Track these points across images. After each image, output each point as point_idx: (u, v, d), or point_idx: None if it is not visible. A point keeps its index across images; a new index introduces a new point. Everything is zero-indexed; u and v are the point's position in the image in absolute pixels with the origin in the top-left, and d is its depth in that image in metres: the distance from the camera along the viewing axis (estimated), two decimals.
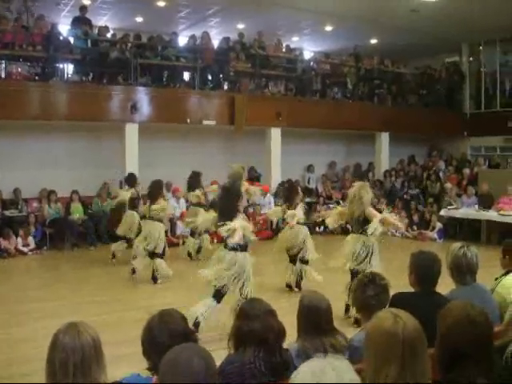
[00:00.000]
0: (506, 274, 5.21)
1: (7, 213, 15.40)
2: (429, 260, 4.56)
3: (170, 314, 3.37)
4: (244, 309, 3.83)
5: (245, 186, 12.06)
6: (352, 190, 8.90)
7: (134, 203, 13.27)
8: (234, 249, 7.61)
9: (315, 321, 3.94)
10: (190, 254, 13.67)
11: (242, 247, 7.70)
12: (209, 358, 2.38)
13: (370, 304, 4.12)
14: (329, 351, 3.72)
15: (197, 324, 7.32)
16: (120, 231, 13.18)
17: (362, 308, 4.25)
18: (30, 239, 14.83)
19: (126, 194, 13.21)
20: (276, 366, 3.59)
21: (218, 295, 7.66)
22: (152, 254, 11.36)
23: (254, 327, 3.64)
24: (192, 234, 13.43)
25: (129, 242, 13.03)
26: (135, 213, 13.07)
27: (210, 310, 7.57)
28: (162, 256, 11.54)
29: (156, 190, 12.02)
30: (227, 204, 8.00)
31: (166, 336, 3.15)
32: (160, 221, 11.81)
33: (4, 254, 14.08)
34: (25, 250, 14.57)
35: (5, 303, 9.66)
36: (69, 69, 17.18)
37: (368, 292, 4.20)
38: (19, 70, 16.29)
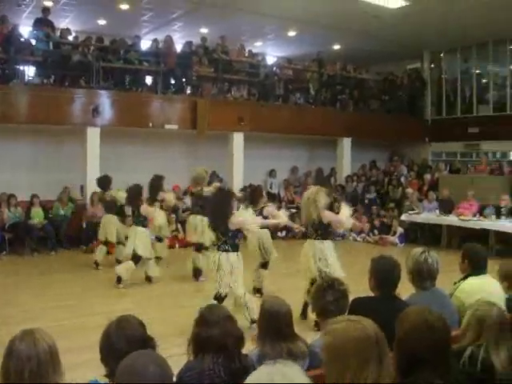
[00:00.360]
0: (465, 278, 5.26)
1: None
2: (388, 265, 4.59)
3: (127, 320, 3.34)
4: (203, 315, 3.80)
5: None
6: (306, 193, 9.00)
7: (110, 206, 13.25)
8: (225, 250, 7.88)
9: (275, 326, 3.93)
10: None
11: (234, 248, 7.97)
12: (165, 364, 2.37)
13: (329, 309, 4.12)
14: (288, 357, 3.74)
15: None
16: (100, 236, 13.30)
17: (321, 313, 4.24)
18: None
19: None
20: (235, 371, 3.56)
21: (219, 299, 7.90)
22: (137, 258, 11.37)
23: (212, 333, 3.62)
24: (158, 239, 13.34)
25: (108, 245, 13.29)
26: (115, 216, 13.08)
27: None
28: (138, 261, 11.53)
29: (136, 195, 11.99)
30: (222, 205, 8.16)
31: (123, 342, 3.13)
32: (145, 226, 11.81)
33: None
34: None
35: None
36: (30, 71, 17.00)
37: (327, 297, 4.19)
38: None
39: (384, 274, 4.54)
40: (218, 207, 8.14)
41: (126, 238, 12.16)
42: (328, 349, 2.68)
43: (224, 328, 3.66)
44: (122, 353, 2.77)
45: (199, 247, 11.87)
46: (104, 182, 13.48)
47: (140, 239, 11.37)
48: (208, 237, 11.51)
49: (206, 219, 11.24)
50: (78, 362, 6.11)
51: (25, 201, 15.67)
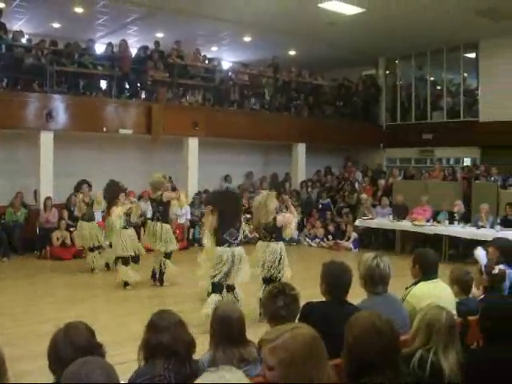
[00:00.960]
0: (416, 283, 5.31)
1: None
2: (339, 270, 4.62)
3: (75, 327, 3.31)
4: (153, 321, 3.78)
5: (177, 194, 12.42)
6: (257, 198, 9.16)
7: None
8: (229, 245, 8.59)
9: (227, 331, 3.98)
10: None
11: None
12: (110, 371, 2.36)
13: (280, 315, 4.13)
14: (240, 362, 3.75)
15: None
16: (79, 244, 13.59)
17: (272, 319, 4.23)
18: None
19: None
20: (186, 377, 3.56)
21: (218, 288, 8.50)
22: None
23: (163, 339, 3.61)
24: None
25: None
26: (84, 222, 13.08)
27: None
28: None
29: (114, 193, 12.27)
30: (235, 207, 8.97)
31: (70, 349, 3.10)
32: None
33: None
34: None
35: None
36: None
37: (278, 303, 4.19)
38: None
39: (334, 279, 4.57)
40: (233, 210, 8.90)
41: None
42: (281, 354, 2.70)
43: (174, 333, 3.66)
44: (68, 360, 2.73)
45: (169, 254, 11.75)
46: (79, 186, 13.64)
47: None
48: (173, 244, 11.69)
49: (166, 226, 11.38)
50: (30, 369, 6.03)
51: None
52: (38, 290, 11.35)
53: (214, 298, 8.36)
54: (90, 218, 13.32)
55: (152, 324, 3.76)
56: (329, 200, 20.37)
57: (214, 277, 8.51)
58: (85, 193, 13.48)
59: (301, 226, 18.53)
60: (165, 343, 3.60)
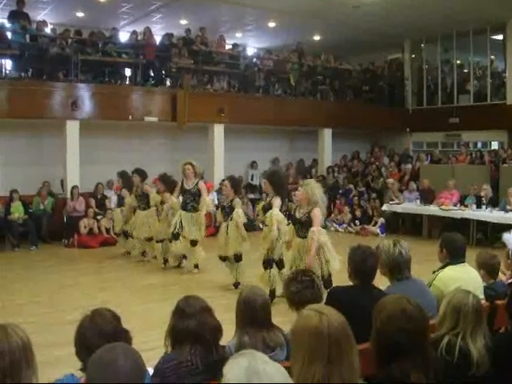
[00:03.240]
0: (444, 267, 5.26)
1: None
2: (364, 254, 4.59)
3: (101, 314, 3.32)
4: (179, 306, 3.78)
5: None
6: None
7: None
8: None
9: (252, 315, 3.96)
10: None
11: None
12: (136, 357, 2.34)
13: (294, 300, 4.23)
14: (265, 346, 3.74)
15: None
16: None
17: (290, 304, 4.34)
18: None
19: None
20: (213, 363, 3.55)
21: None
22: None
23: (189, 325, 3.61)
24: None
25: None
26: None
27: None
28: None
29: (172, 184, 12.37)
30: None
31: (96, 336, 3.10)
32: None
33: None
34: None
35: None
36: (7, 65, 16.86)
37: (291, 288, 4.30)
38: None
39: (360, 263, 4.55)
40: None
41: None
42: (291, 333, 2.72)
43: (201, 319, 3.65)
44: (94, 346, 2.72)
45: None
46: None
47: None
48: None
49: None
50: (60, 355, 6.06)
51: (4, 196, 15.53)
52: (66, 277, 11.39)
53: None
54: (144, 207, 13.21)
55: (178, 310, 3.76)
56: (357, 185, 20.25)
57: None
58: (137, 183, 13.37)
59: (327, 212, 18.52)
60: (191, 329, 3.60)
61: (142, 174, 13.19)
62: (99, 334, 3.11)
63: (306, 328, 2.55)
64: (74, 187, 15.67)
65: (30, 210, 15.78)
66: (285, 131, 21.43)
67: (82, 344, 3.15)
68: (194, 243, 11.50)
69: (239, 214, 10.13)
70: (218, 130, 18.54)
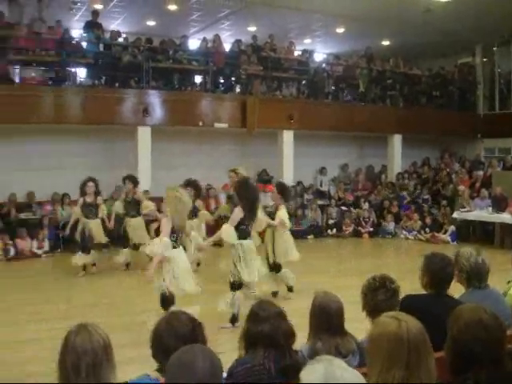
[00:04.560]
0: None
1: (22, 215, 15.52)
2: (443, 262, 4.50)
3: (177, 316, 3.38)
4: (254, 311, 3.82)
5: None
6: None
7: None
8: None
9: (326, 321, 3.96)
10: None
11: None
12: (214, 358, 2.38)
13: (381, 308, 4.08)
14: (338, 353, 3.74)
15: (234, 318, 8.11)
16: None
17: (372, 312, 4.20)
18: (46, 242, 14.88)
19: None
20: (286, 367, 3.57)
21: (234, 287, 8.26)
22: None
23: (263, 329, 3.64)
24: None
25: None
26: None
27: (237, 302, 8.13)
28: None
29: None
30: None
31: (173, 338, 3.16)
32: None
33: (19, 255, 14.15)
34: (39, 252, 14.66)
35: (16, 304, 9.71)
36: (81, 73, 17.30)
37: (379, 296, 4.15)
38: (33, 74, 16.48)
39: (437, 272, 4.45)
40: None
41: None
42: (368, 340, 2.73)
43: (275, 323, 3.68)
44: (171, 348, 2.82)
45: None
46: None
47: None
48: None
49: None
50: (133, 356, 6.18)
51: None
52: (137, 280, 11.48)
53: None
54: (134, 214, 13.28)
55: (252, 314, 3.80)
56: (427, 192, 19.97)
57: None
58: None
59: (397, 219, 18.37)
60: (265, 332, 3.62)
61: (135, 181, 13.27)
62: (176, 336, 3.16)
63: (385, 334, 2.55)
64: (145, 191, 15.87)
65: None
66: (354, 137, 21.31)
67: (159, 346, 3.20)
68: None
69: (279, 219, 9.99)
70: (288, 136, 18.55)
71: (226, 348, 3.48)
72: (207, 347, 2.55)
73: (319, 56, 23.38)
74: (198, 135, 18.20)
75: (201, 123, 17.14)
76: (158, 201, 16.31)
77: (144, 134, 16.41)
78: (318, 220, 18.26)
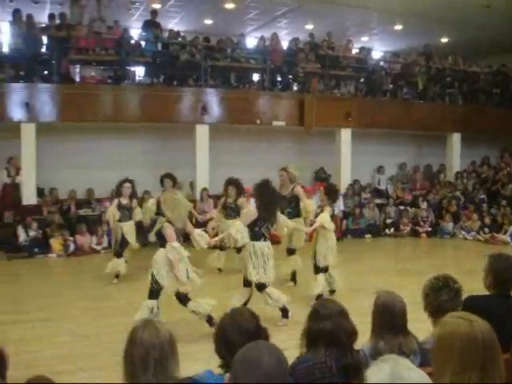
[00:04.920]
0: None
1: (81, 212, 15.79)
2: (507, 262, 4.42)
3: (241, 313, 3.42)
4: (316, 309, 3.79)
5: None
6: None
7: None
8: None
9: (390, 320, 3.91)
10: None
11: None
12: (280, 355, 2.37)
13: (445, 309, 4.01)
14: (400, 353, 3.69)
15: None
16: None
17: (435, 312, 4.13)
18: (104, 238, 15.08)
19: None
20: (347, 366, 3.54)
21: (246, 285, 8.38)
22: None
23: (325, 326, 3.61)
24: None
25: None
26: None
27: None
28: None
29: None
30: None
31: (237, 334, 3.19)
32: None
33: (79, 251, 14.36)
34: (98, 248, 14.87)
35: (75, 300, 9.82)
36: (140, 72, 17.49)
37: (442, 297, 4.09)
38: (93, 73, 16.74)
39: (502, 272, 4.37)
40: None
41: None
42: (436, 340, 2.65)
43: (336, 321, 3.64)
44: (235, 344, 2.88)
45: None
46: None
47: None
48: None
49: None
50: (195, 351, 6.20)
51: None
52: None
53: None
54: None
55: (314, 311, 3.77)
56: (485, 191, 19.67)
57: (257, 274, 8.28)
58: None
59: (456, 219, 18.11)
60: (327, 330, 3.59)
61: (174, 180, 12.88)
62: (240, 332, 3.19)
63: (457, 334, 2.50)
64: (203, 189, 16.00)
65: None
66: (412, 135, 21.04)
67: (224, 341, 3.23)
68: (290, 252, 11.02)
69: (321, 221, 9.64)
70: (345, 134, 18.46)
71: (289, 345, 3.46)
72: (272, 343, 2.55)
73: (377, 54, 23.20)
74: (256, 133, 18.23)
75: (258, 121, 17.19)
76: (216, 199, 16.51)
77: (202, 132, 16.54)
78: (375, 219, 18.10)
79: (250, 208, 8.94)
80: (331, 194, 10.06)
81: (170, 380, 2.83)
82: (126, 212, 11.53)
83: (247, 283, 8.34)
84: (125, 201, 11.54)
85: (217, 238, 9.14)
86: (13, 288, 11.24)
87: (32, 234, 14.65)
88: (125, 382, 2.86)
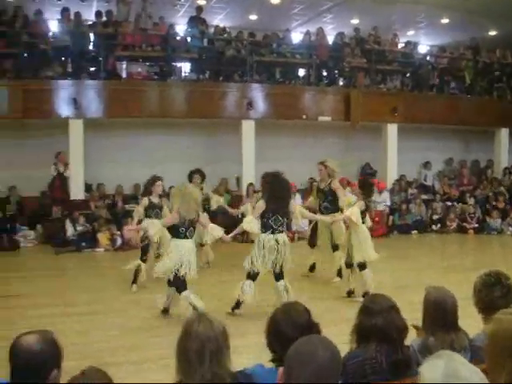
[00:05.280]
0: None
1: (128, 207, 15.90)
2: None
3: (293, 307, 3.41)
4: (366, 304, 3.77)
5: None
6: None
7: None
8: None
9: (442, 317, 3.85)
10: None
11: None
12: (334, 349, 2.37)
13: (497, 305, 3.95)
14: (450, 349, 3.64)
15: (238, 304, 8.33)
16: None
17: (486, 309, 4.06)
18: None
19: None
20: (398, 362, 3.51)
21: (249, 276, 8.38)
22: None
23: (376, 322, 3.59)
24: None
25: None
26: None
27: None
28: None
29: None
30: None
31: (290, 328, 3.18)
32: None
33: (125, 246, 14.46)
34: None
35: (122, 293, 9.89)
36: (186, 67, 17.59)
37: (495, 293, 4.00)
38: (139, 69, 16.89)
39: None
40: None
41: None
42: (489, 338, 2.62)
43: (388, 317, 3.61)
44: (288, 338, 2.87)
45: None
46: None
47: None
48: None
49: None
50: (241, 345, 6.19)
51: None
52: (228, 273, 11.07)
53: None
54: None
55: (365, 307, 3.75)
56: None
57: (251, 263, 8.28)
58: None
59: (504, 215, 17.88)
60: (378, 326, 3.56)
61: (203, 175, 12.66)
62: (294, 326, 3.19)
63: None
64: (249, 184, 16.01)
65: (207, 206, 16.26)
66: (459, 130, 20.76)
67: (277, 336, 3.23)
68: (335, 248, 10.76)
69: (350, 214, 9.44)
70: (392, 129, 18.29)
71: (338, 340, 3.44)
72: (326, 337, 2.53)
73: (423, 48, 22.97)
74: (301, 128, 18.19)
75: (304, 116, 17.17)
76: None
77: (248, 127, 16.57)
78: (422, 215, 17.93)
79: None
80: (365, 188, 9.94)
81: (224, 373, 2.85)
82: (157, 211, 11.21)
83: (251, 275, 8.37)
84: (155, 199, 11.23)
85: (232, 234, 8.98)
86: (60, 282, 11.37)
87: (79, 228, 14.83)
88: (179, 375, 2.88)
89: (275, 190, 8.35)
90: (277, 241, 8.25)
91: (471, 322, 4.10)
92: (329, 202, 10.66)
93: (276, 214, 8.28)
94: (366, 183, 10.20)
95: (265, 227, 8.31)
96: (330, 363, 2.29)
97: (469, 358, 3.75)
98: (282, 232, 8.40)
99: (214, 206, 13.08)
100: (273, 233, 8.27)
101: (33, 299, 9.52)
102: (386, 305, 3.71)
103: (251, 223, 8.41)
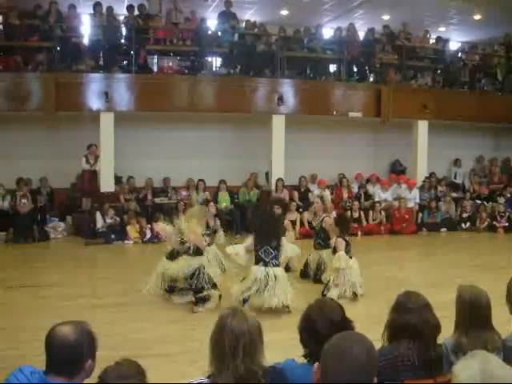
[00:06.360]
0: None
1: (157, 200, 16.00)
2: None
3: (328, 304, 3.44)
4: (400, 301, 3.77)
5: None
6: None
7: None
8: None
9: (476, 315, 3.82)
10: None
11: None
12: (370, 345, 2.38)
13: None
14: (483, 348, 3.63)
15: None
16: None
17: None
18: None
19: None
20: (429, 360, 3.53)
21: None
22: None
23: (410, 320, 3.60)
24: None
25: None
26: None
27: None
28: None
29: None
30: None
31: (327, 325, 3.20)
32: None
33: (155, 239, 14.54)
34: None
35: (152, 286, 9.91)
36: (217, 62, 17.64)
37: None
38: (170, 64, 16.95)
39: None
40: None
41: None
42: None
43: (422, 315, 3.62)
44: (322, 335, 2.92)
45: None
46: None
47: None
48: None
49: None
50: (280, 339, 6.23)
51: (212, 186, 16.25)
52: None
53: None
54: None
55: (399, 304, 3.75)
56: None
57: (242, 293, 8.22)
58: None
59: None
60: (412, 324, 3.58)
61: None
62: (330, 323, 3.21)
63: None
64: (278, 180, 16.03)
65: (236, 200, 16.37)
66: (490, 128, 20.56)
67: (311, 332, 3.26)
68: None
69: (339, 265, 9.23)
70: (422, 126, 18.14)
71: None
72: (361, 333, 2.55)
73: (454, 44, 22.79)
74: (331, 124, 18.11)
75: (335, 112, 17.12)
76: (291, 189, 16.54)
77: (278, 122, 16.53)
78: (451, 213, 17.80)
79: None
80: (340, 224, 9.79)
81: (256, 367, 2.89)
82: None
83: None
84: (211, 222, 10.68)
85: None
86: (90, 273, 11.50)
87: (109, 220, 14.94)
88: (211, 368, 2.93)
89: (258, 222, 8.73)
90: (265, 273, 8.17)
91: (501, 321, 4.09)
92: (321, 239, 10.63)
93: (263, 245, 8.30)
94: (342, 219, 10.22)
95: (255, 259, 8.37)
96: (366, 359, 2.30)
97: (501, 358, 3.74)
98: (276, 266, 8.32)
99: None
100: (265, 265, 8.23)
101: (63, 290, 9.63)
102: (420, 302, 3.74)
103: (239, 252, 8.64)
